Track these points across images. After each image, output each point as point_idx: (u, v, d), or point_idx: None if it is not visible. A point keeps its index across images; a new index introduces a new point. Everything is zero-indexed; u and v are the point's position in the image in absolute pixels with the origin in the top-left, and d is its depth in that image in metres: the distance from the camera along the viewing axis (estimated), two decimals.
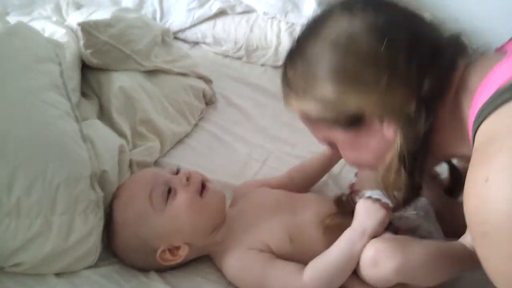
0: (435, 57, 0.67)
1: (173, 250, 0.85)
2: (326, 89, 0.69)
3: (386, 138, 0.70)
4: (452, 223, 0.90)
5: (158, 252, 0.83)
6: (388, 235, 0.81)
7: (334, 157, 1.02)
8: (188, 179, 0.87)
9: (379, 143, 0.72)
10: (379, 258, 0.76)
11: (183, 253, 0.85)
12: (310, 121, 0.76)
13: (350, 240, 0.79)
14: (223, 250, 0.86)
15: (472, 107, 0.64)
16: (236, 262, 0.84)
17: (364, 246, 0.79)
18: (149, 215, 0.83)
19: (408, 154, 0.69)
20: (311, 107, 0.73)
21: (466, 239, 0.82)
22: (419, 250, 0.77)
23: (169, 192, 0.86)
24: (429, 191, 0.97)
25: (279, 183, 1.02)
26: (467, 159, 0.65)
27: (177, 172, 0.91)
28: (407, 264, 0.75)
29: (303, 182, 1.04)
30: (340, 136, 0.75)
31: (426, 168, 0.74)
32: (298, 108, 0.76)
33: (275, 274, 0.81)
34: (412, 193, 0.75)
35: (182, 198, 0.85)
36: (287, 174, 1.05)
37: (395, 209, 0.82)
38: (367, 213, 0.81)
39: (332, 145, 0.79)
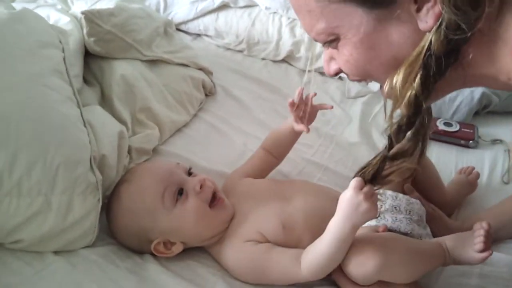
0: None
1: (168, 244, 0.87)
2: None
3: (419, 30, 0.56)
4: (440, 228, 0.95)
5: (154, 244, 0.86)
6: (370, 234, 0.84)
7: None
8: (201, 186, 0.88)
9: (407, 36, 0.58)
10: (363, 258, 0.78)
11: (176, 250, 0.88)
12: None
13: (336, 230, 0.78)
14: (219, 244, 0.89)
15: None
16: (234, 254, 0.86)
17: (350, 235, 0.77)
18: (156, 210, 0.86)
19: (437, 58, 0.57)
20: None
21: (444, 240, 0.86)
22: (398, 250, 0.80)
23: (181, 193, 0.87)
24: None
25: (259, 159, 1.04)
26: (491, 84, 0.58)
27: (189, 171, 0.93)
28: (388, 263, 0.78)
29: (277, 149, 1.04)
30: (356, 21, 0.58)
31: (441, 89, 0.62)
32: None
33: (274, 265, 0.83)
34: (414, 110, 0.62)
35: (192, 204, 0.86)
36: (261, 147, 1.05)
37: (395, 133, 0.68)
38: (351, 204, 0.75)
39: (332, 41, 0.63)
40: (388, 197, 0.94)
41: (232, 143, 1.23)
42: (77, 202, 0.84)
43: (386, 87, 0.62)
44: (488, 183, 1.16)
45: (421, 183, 1.04)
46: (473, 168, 1.13)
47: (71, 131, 0.88)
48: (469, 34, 0.55)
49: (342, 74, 1.53)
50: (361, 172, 0.75)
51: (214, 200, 0.89)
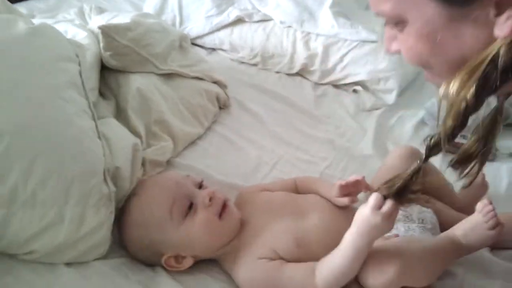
0: None
1: (179, 258, 0.87)
2: None
3: (491, 36, 0.52)
4: None
5: (164, 258, 0.86)
6: (383, 243, 0.82)
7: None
8: (211, 199, 0.88)
9: (480, 40, 0.53)
10: (381, 267, 0.77)
11: (187, 264, 0.87)
12: None
13: (352, 244, 0.78)
14: (232, 258, 0.88)
15: None
16: (247, 272, 0.85)
17: (367, 248, 0.78)
18: (166, 224, 0.85)
19: (499, 72, 0.52)
20: None
21: (453, 232, 0.86)
22: (415, 252, 0.79)
23: (190, 207, 0.87)
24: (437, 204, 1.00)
25: (283, 189, 1.02)
26: None
27: (201, 184, 0.92)
28: (408, 267, 0.77)
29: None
30: (427, 13, 0.54)
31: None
32: None
33: (288, 282, 0.82)
34: (461, 123, 0.59)
35: (201, 219, 0.86)
36: (295, 182, 1.04)
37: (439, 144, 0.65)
38: (368, 223, 0.76)
39: (397, 24, 0.58)
40: None
41: (246, 156, 1.23)
42: (90, 213, 0.85)
43: (442, 91, 0.58)
44: (507, 195, 1.14)
45: (430, 192, 1.01)
46: None
47: (86, 143, 0.89)
48: None
49: (357, 87, 1.54)
50: (387, 184, 0.73)
51: (223, 210, 0.89)
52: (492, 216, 0.83)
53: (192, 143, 1.24)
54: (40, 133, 0.84)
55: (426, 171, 1.04)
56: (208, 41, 1.71)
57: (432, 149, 0.65)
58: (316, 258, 0.84)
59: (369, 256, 0.80)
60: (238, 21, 1.66)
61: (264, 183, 1.08)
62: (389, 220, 0.74)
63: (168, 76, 1.28)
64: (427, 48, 0.56)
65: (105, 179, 0.89)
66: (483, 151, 0.65)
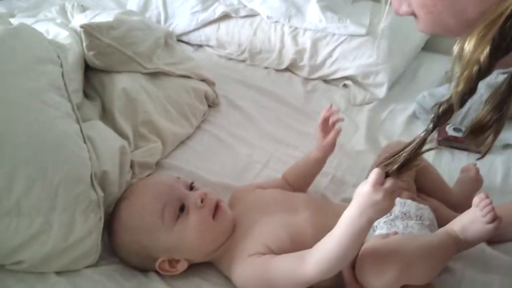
0: None
1: (173, 262, 0.85)
2: None
3: None
4: None
5: (158, 262, 0.84)
6: (382, 240, 0.81)
7: (326, 153, 1.00)
8: (202, 200, 0.86)
9: None
10: (382, 265, 0.75)
11: (181, 268, 0.85)
12: None
13: (351, 223, 0.71)
14: (228, 260, 0.86)
15: None
16: (240, 271, 0.83)
17: (366, 229, 0.71)
18: (157, 228, 0.83)
19: None
20: None
21: (451, 227, 0.85)
22: (416, 249, 0.78)
23: (182, 209, 0.85)
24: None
25: (275, 186, 1.01)
26: None
27: (192, 186, 0.90)
28: (409, 265, 0.76)
29: (298, 183, 1.03)
30: None
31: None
32: None
33: (278, 271, 0.80)
34: (470, 87, 0.53)
35: (194, 220, 0.84)
36: (282, 177, 1.04)
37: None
38: (368, 200, 0.69)
39: None
40: (396, 204, 0.90)
41: (237, 154, 1.21)
42: (78, 220, 0.82)
43: (456, 48, 0.53)
44: (502, 187, 1.13)
45: (425, 188, 1.02)
46: (474, 165, 1.11)
47: (70, 148, 0.86)
48: None
49: (347, 82, 1.53)
50: (389, 161, 0.68)
51: (216, 210, 0.87)
52: (489, 210, 0.82)
53: (182, 143, 1.22)
54: (21, 139, 0.81)
55: (422, 168, 1.04)
56: (194, 37, 1.68)
57: (441, 118, 0.60)
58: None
59: (369, 254, 0.78)
60: (224, 16, 1.64)
61: (257, 182, 1.06)
62: (391, 197, 0.68)
63: (154, 75, 1.25)
64: (446, 5, 0.51)
65: (92, 184, 0.86)
66: (498, 120, 0.61)
